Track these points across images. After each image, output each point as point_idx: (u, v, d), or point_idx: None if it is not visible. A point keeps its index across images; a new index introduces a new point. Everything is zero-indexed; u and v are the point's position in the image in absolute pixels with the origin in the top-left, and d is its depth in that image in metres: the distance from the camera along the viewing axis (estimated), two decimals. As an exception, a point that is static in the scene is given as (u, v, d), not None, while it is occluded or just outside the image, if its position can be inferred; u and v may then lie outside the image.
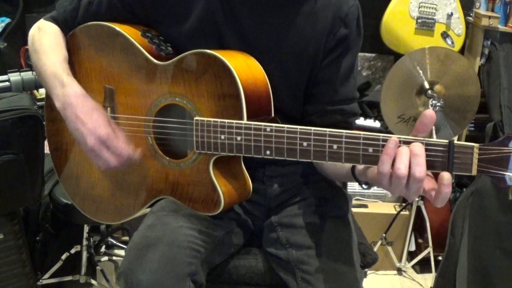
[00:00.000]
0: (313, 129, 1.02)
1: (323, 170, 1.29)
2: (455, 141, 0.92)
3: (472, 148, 0.91)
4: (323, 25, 1.20)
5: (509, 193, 0.93)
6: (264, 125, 1.05)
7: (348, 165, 1.09)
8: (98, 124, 1.16)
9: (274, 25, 1.19)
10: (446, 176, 0.91)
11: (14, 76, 1.83)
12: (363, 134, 0.98)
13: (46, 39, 1.28)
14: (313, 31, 1.20)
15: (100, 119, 1.17)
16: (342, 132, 0.99)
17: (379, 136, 0.97)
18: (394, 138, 0.94)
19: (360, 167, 1.05)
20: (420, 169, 0.91)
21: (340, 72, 1.23)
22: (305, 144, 1.03)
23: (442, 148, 0.93)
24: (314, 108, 1.26)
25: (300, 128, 1.03)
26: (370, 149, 0.97)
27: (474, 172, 0.92)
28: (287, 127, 1.04)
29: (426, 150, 0.93)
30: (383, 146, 0.96)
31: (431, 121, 0.93)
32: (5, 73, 1.84)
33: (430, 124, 0.94)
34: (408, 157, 0.92)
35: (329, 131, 1.00)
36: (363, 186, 1.08)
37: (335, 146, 1.00)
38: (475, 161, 0.92)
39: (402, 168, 0.92)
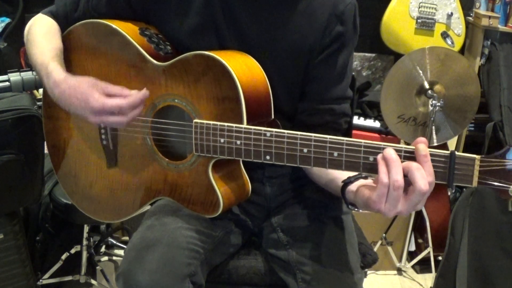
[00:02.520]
0: (313, 135, 1.01)
1: (313, 178, 1.27)
2: (457, 153, 0.91)
3: (474, 160, 0.91)
4: (320, 23, 1.20)
5: (509, 204, 0.93)
6: (264, 130, 1.05)
7: (339, 184, 1.08)
8: (85, 99, 1.12)
9: (271, 23, 1.20)
10: (420, 147, 0.91)
11: (14, 76, 1.82)
12: (364, 142, 0.97)
13: (39, 29, 1.27)
14: (310, 29, 1.20)
15: (84, 92, 1.13)
16: (343, 140, 0.99)
17: (380, 144, 0.96)
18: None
19: (352, 188, 1.04)
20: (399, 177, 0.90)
21: (333, 70, 1.23)
22: (305, 150, 1.02)
23: (443, 159, 0.92)
24: (304, 106, 1.26)
25: (300, 135, 1.02)
26: (371, 158, 0.97)
27: (474, 184, 0.91)
28: (287, 133, 1.03)
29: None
30: None
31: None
32: (5, 73, 1.83)
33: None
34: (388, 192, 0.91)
35: (329, 138, 1.00)
36: (350, 207, 1.06)
37: (335, 154, 1.00)
38: (476, 173, 0.91)
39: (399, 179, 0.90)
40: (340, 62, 1.23)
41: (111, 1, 1.25)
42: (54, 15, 1.31)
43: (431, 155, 0.92)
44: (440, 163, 0.92)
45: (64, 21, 1.30)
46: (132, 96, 1.12)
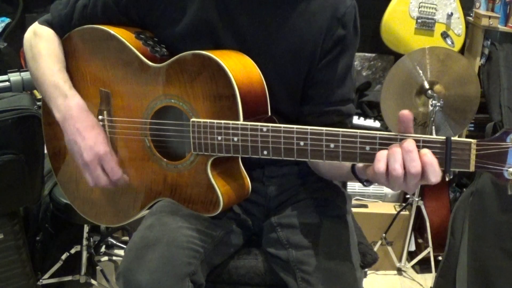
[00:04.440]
0: (309, 128, 1.02)
1: (320, 171, 1.28)
2: (453, 138, 0.92)
3: (470, 144, 0.91)
4: (320, 26, 1.20)
5: (508, 188, 0.93)
6: (261, 125, 1.05)
7: (348, 165, 1.09)
8: (97, 141, 1.18)
9: (270, 25, 1.19)
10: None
11: (14, 76, 1.83)
12: (360, 133, 0.98)
13: (42, 45, 1.28)
14: (310, 31, 1.20)
15: (100, 137, 1.19)
16: (339, 131, 0.99)
17: (376, 134, 0.97)
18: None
19: (359, 165, 1.05)
20: (415, 164, 0.91)
21: (337, 73, 1.23)
22: (302, 143, 1.02)
23: (439, 145, 0.93)
24: (310, 109, 1.26)
25: (296, 128, 1.02)
26: (367, 147, 0.97)
27: (472, 168, 0.92)
28: (284, 127, 1.04)
29: (424, 147, 0.93)
30: (380, 144, 0.96)
31: (408, 120, 0.94)
32: (5, 73, 1.84)
33: (410, 122, 0.94)
34: (401, 155, 0.92)
35: (325, 130, 1.00)
36: (365, 183, 1.07)
37: (332, 145, 1.00)
38: (472, 157, 0.91)
39: (397, 168, 0.92)
40: (343, 65, 1.23)
41: (106, 10, 1.26)
42: (51, 26, 1.31)
43: (428, 141, 0.93)
44: (436, 149, 0.93)
45: (60, 31, 1.31)
46: (123, 175, 1.22)
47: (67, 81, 1.24)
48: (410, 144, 0.92)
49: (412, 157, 0.91)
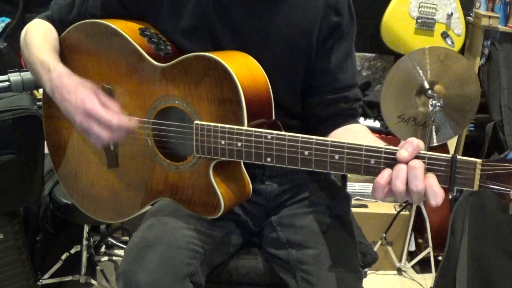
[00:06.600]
0: (314, 138, 1.01)
1: None
2: (458, 157, 0.91)
3: (475, 163, 0.90)
4: (314, 14, 1.21)
5: (510, 207, 0.93)
6: (265, 132, 1.05)
7: None
8: (82, 99, 1.12)
9: (264, 17, 1.20)
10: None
11: (14, 76, 1.82)
12: (365, 146, 0.97)
13: (36, 32, 1.28)
14: (304, 22, 1.21)
15: (84, 93, 1.13)
16: (344, 143, 0.99)
17: (381, 148, 0.96)
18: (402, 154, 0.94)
19: None
20: (417, 182, 0.91)
21: (337, 60, 1.24)
22: (306, 153, 1.02)
23: (444, 163, 0.92)
24: (317, 100, 1.26)
25: (301, 137, 1.02)
26: (372, 161, 0.97)
27: (476, 187, 0.91)
28: (289, 135, 1.03)
29: (429, 164, 0.92)
30: (385, 158, 0.96)
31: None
32: (5, 73, 1.83)
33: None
34: (405, 173, 0.91)
35: (331, 141, 0.99)
36: None
37: (336, 156, 0.99)
38: (477, 176, 0.90)
39: (398, 184, 0.92)
40: (342, 52, 1.25)
41: (105, 3, 1.25)
42: (49, 19, 1.32)
43: (433, 159, 0.92)
44: (441, 167, 0.92)
45: (59, 24, 1.31)
46: (124, 119, 1.12)
47: (53, 57, 1.22)
48: (416, 162, 0.91)
49: (416, 175, 0.91)
